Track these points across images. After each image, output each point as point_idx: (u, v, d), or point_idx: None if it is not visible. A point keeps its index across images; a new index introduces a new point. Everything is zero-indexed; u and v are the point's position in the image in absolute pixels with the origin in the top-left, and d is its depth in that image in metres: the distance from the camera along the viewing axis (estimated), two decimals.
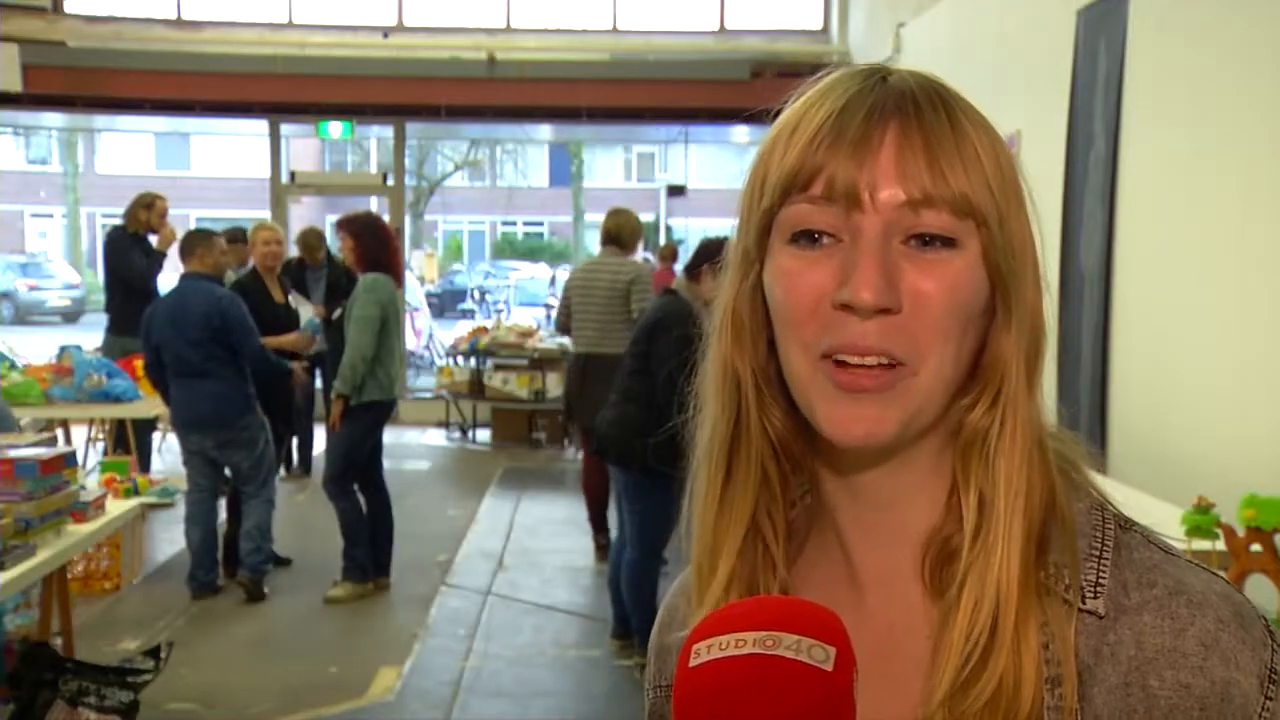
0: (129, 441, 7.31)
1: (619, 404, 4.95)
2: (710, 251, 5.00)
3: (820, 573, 0.85)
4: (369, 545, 6.05)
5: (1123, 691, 0.76)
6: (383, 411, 5.98)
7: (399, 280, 5.99)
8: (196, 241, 5.91)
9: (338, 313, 6.08)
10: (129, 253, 7.59)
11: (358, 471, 6.00)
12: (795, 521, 0.86)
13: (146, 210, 7.67)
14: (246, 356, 5.77)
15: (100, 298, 9.92)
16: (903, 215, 0.75)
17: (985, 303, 0.78)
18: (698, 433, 0.87)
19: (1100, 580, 0.78)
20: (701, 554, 0.85)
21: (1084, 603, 0.77)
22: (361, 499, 6.05)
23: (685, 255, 12.54)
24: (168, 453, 9.48)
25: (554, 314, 7.05)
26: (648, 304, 5.22)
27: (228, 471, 6.00)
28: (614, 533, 5.83)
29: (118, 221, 7.89)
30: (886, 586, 0.83)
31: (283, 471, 7.79)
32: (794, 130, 0.78)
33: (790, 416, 0.82)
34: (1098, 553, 0.79)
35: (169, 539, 6.84)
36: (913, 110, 0.76)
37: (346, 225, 6.01)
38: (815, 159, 0.76)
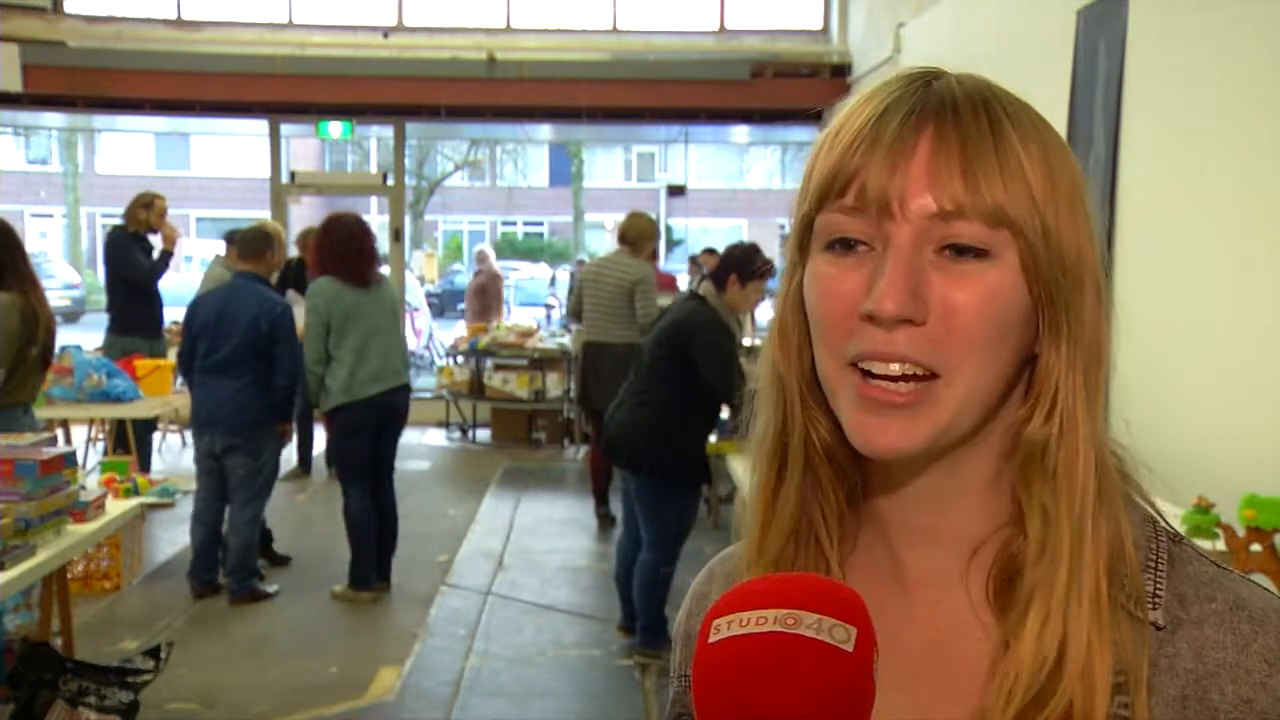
0: (129, 441, 7.31)
1: (632, 406, 4.92)
2: (735, 260, 4.94)
3: (868, 573, 0.84)
4: (371, 552, 6.01)
5: (1180, 704, 0.76)
6: (349, 415, 5.77)
7: (358, 280, 5.74)
8: (263, 244, 5.85)
9: None
10: (131, 251, 7.59)
11: (355, 475, 5.95)
12: (847, 522, 0.86)
13: (146, 210, 7.65)
14: (282, 366, 5.69)
15: (101, 298, 9.92)
16: (933, 225, 0.74)
17: (1026, 314, 0.77)
18: (753, 433, 0.88)
19: (1158, 592, 0.78)
20: (749, 551, 0.86)
21: (1144, 614, 0.77)
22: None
23: (684, 254, 12.49)
24: (167, 452, 9.50)
25: (568, 301, 7.68)
26: (672, 306, 5.21)
27: None
28: (618, 529, 5.83)
29: (118, 221, 7.88)
30: (934, 590, 0.82)
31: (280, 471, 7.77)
32: (836, 134, 0.78)
33: (835, 423, 0.82)
34: (1154, 565, 0.79)
35: (169, 539, 6.84)
36: (951, 116, 0.75)
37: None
38: (851, 164, 0.76)
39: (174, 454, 9.62)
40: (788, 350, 0.83)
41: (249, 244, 5.87)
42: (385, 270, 9.86)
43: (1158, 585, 0.79)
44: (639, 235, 6.99)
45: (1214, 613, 0.77)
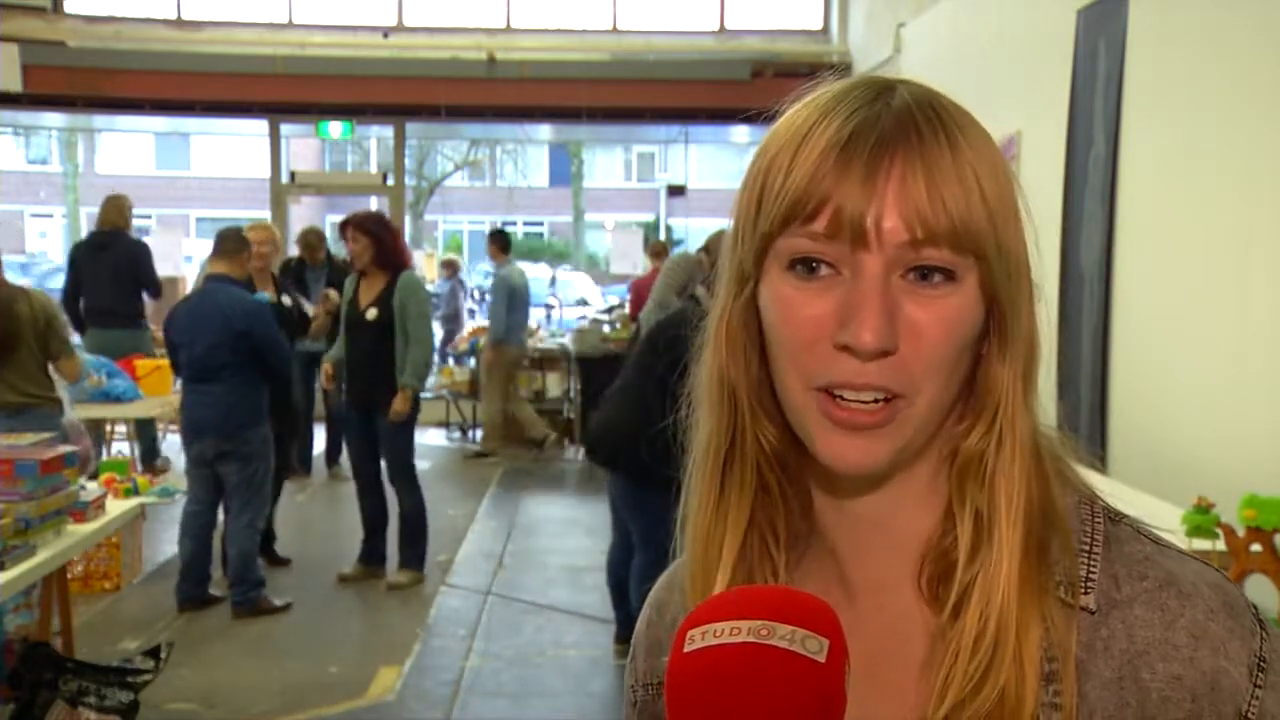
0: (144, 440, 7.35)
1: (610, 405, 4.95)
2: None
3: (814, 578, 0.85)
4: (426, 537, 6.24)
5: (1116, 685, 0.76)
6: (418, 407, 6.17)
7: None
8: (232, 243, 5.75)
9: (373, 312, 5.97)
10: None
11: (375, 467, 6.15)
12: (797, 529, 0.86)
13: (123, 209, 7.99)
14: (271, 363, 5.62)
15: None
16: (904, 252, 0.74)
17: (981, 330, 0.78)
18: (693, 439, 0.87)
19: (1090, 575, 0.79)
20: (695, 561, 0.85)
21: (1076, 599, 0.78)
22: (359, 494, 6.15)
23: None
24: (168, 452, 9.48)
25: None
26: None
27: None
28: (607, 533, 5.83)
29: (104, 228, 8.09)
30: (879, 594, 0.83)
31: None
32: (796, 150, 0.76)
33: (784, 431, 0.82)
34: (1087, 548, 0.80)
35: (169, 539, 6.82)
36: (916, 139, 0.75)
37: (359, 225, 5.95)
38: (821, 189, 0.75)
39: (174, 454, 9.60)
40: (736, 359, 0.83)
41: (219, 245, 5.76)
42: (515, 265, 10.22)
43: (1090, 569, 0.79)
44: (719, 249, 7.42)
45: (1144, 591, 0.78)
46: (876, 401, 0.75)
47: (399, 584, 6.11)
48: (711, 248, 7.35)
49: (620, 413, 4.85)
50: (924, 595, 0.81)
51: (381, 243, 5.88)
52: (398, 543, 6.23)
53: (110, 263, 7.74)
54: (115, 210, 7.94)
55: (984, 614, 0.76)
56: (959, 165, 0.75)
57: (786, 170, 0.76)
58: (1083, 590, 0.78)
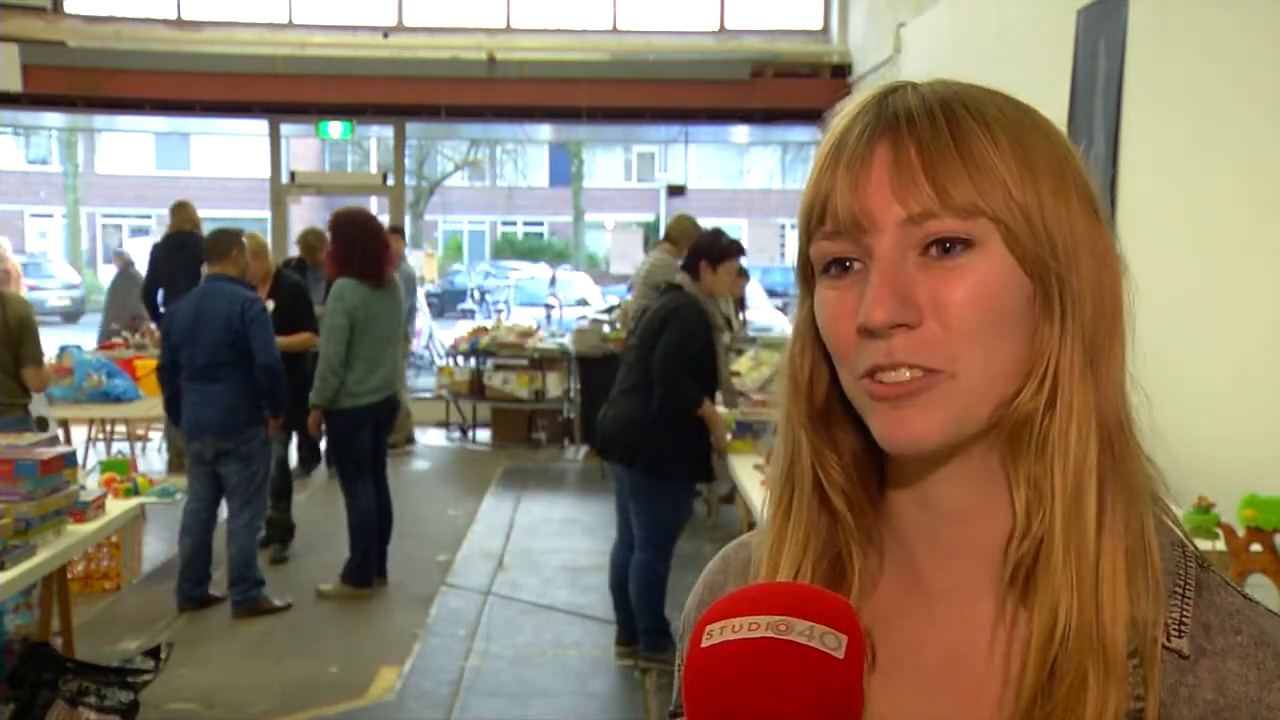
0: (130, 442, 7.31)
1: (622, 401, 4.93)
2: (702, 247, 5.02)
3: (894, 583, 0.85)
4: (373, 550, 6.05)
5: None
6: (355, 416, 5.86)
7: (377, 281, 5.83)
8: (230, 242, 5.73)
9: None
10: None
11: (360, 473, 6.00)
12: (865, 546, 0.86)
13: (187, 213, 8.42)
14: (260, 362, 5.60)
15: (100, 298, 9.97)
16: (908, 230, 0.75)
17: (1028, 297, 0.77)
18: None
19: (1184, 619, 0.78)
20: (760, 577, 0.87)
21: (1169, 641, 0.77)
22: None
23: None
24: (167, 452, 9.49)
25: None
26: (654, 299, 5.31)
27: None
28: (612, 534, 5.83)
29: (180, 230, 8.41)
30: (958, 601, 0.82)
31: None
32: (811, 163, 0.82)
33: (847, 459, 0.84)
34: (1180, 591, 0.79)
35: (169, 539, 6.84)
36: (905, 125, 0.76)
37: (330, 223, 6.00)
38: (821, 190, 0.78)
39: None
40: (795, 388, 0.85)
41: (214, 246, 5.75)
42: (410, 262, 10.11)
43: (1184, 613, 0.78)
44: (682, 234, 7.37)
45: (1238, 645, 0.77)
46: (914, 377, 0.76)
47: (323, 592, 5.97)
48: (673, 234, 7.61)
49: (631, 411, 4.85)
50: (1007, 586, 0.80)
51: (333, 245, 5.86)
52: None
53: (184, 261, 8.00)
54: (183, 214, 8.45)
55: (1055, 597, 0.76)
56: (962, 145, 0.76)
57: (805, 186, 0.81)
58: (1176, 634, 0.77)
